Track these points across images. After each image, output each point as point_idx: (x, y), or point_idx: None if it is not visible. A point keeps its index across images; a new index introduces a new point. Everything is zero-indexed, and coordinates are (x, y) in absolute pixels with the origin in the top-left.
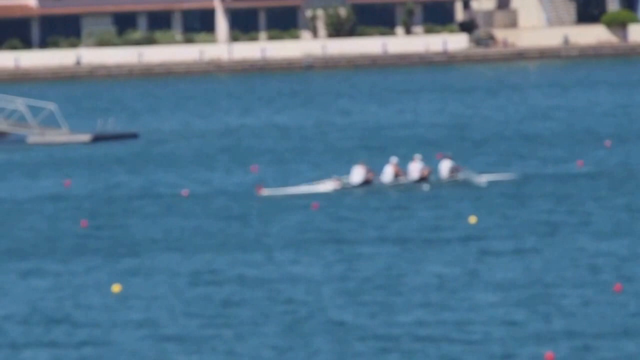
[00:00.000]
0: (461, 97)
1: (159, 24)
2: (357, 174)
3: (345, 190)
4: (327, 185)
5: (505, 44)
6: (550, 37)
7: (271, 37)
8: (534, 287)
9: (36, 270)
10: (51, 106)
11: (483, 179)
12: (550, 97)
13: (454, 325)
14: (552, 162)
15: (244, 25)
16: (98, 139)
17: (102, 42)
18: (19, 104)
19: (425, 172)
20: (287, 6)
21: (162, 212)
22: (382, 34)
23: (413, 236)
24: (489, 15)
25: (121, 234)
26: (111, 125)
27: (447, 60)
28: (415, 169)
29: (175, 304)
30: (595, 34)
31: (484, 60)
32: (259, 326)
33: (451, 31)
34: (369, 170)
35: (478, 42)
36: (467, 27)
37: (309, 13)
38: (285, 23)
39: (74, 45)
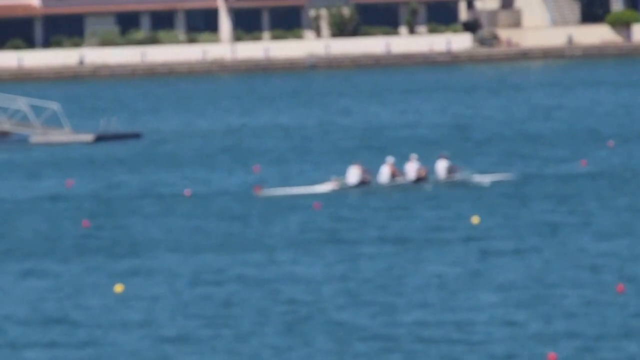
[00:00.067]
0: (464, 97)
1: (162, 24)
2: (353, 175)
3: (343, 191)
4: (325, 186)
5: (509, 43)
6: (554, 37)
7: (274, 37)
8: (536, 288)
9: (37, 270)
10: (54, 106)
11: (482, 179)
12: (554, 97)
13: (456, 325)
14: (555, 162)
15: (247, 25)
16: (101, 138)
17: (105, 42)
18: (22, 103)
19: (422, 173)
20: (291, 6)
21: (164, 212)
22: (386, 33)
23: (414, 236)
24: (492, 15)
25: (123, 234)
26: (114, 125)
27: (450, 60)
28: (411, 169)
29: (176, 304)
30: (599, 34)
31: (488, 60)
32: (260, 326)
33: (455, 31)
34: (364, 171)
35: (482, 42)
36: (471, 27)
37: (312, 13)
38: (288, 23)
39: (77, 45)
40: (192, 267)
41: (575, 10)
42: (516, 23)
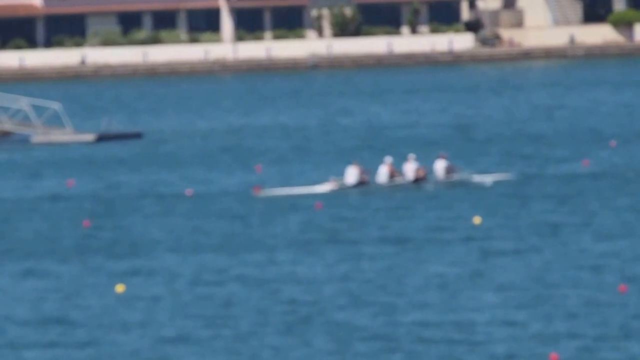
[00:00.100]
0: (466, 97)
1: (164, 24)
2: (351, 175)
3: (342, 191)
4: (324, 186)
5: (511, 43)
6: (556, 37)
7: (276, 37)
8: (537, 288)
9: (37, 270)
10: (55, 106)
11: (482, 179)
12: (556, 97)
13: (457, 325)
14: (557, 162)
15: (249, 24)
16: (102, 138)
17: (107, 42)
18: (24, 103)
19: (421, 173)
20: (293, 6)
21: (165, 212)
22: (388, 33)
23: (415, 236)
24: (494, 15)
25: (123, 234)
26: (115, 125)
27: (452, 60)
28: (410, 169)
29: (176, 304)
30: (601, 34)
31: (490, 60)
32: (260, 326)
33: (457, 31)
34: (362, 171)
35: (484, 41)
36: (473, 26)
37: (314, 13)
38: (290, 23)
39: (78, 44)
40: (193, 267)
41: (577, 10)
42: (518, 23)
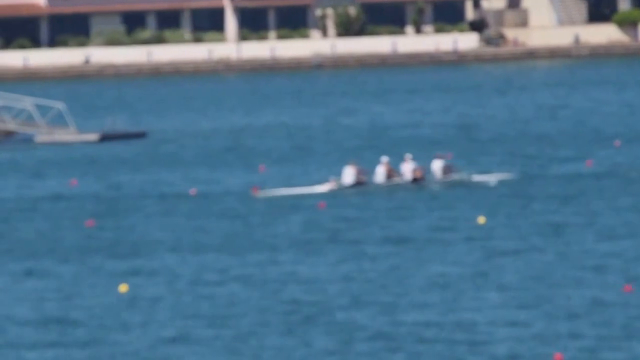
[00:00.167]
0: (470, 96)
1: (168, 23)
2: (349, 175)
3: (341, 192)
4: (323, 187)
5: (515, 43)
6: (561, 37)
7: (280, 37)
8: (541, 288)
9: (40, 270)
10: (59, 105)
11: (484, 179)
12: (560, 97)
13: (460, 326)
14: (560, 161)
15: (253, 24)
16: (106, 138)
17: (111, 41)
18: (27, 103)
19: (419, 173)
20: (297, 5)
21: (168, 211)
22: (392, 33)
23: (418, 236)
24: (499, 15)
25: (126, 233)
26: (119, 124)
27: (457, 60)
28: (407, 169)
29: (179, 304)
30: (606, 34)
31: (495, 59)
32: (262, 326)
33: (461, 30)
34: (359, 171)
35: (488, 41)
36: (478, 26)
37: (318, 12)
38: (294, 22)
39: (82, 44)
40: (195, 267)
41: (582, 10)
42: (523, 23)
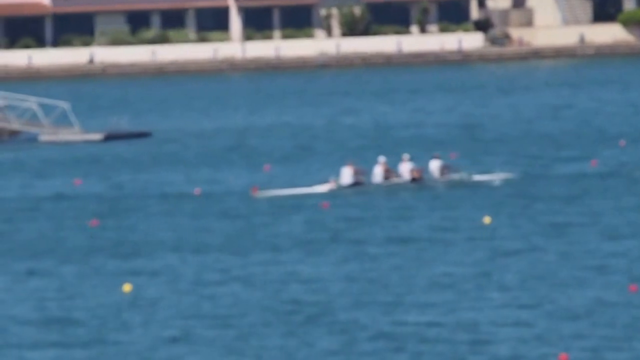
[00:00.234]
0: (475, 96)
1: (172, 23)
2: (346, 175)
3: (340, 192)
4: (323, 187)
5: (520, 43)
6: (566, 36)
7: (285, 36)
8: (546, 288)
9: (44, 270)
10: (64, 105)
11: (484, 178)
12: (565, 97)
13: (465, 326)
14: (565, 161)
15: (258, 23)
16: (110, 138)
17: (116, 41)
18: (32, 102)
19: (417, 173)
20: (302, 5)
21: (172, 211)
22: (397, 32)
23: (421, 236)
24: (504, 14)
25: (130, 233)
26: (123, 124)
27: (462, 59)
28: (405, 169)
29: (182, 304)
30: (611, 33)
31: (499, 59)
32: (266, 326)
33: (466, 30)
34: (357, 171)
35: (493, 41)
36: (483, 26)
37: (323, 12)
38: (299, 22)
39: (87, 43)
40: (198, 267)
41: (587, 9)
42: (528, 22)
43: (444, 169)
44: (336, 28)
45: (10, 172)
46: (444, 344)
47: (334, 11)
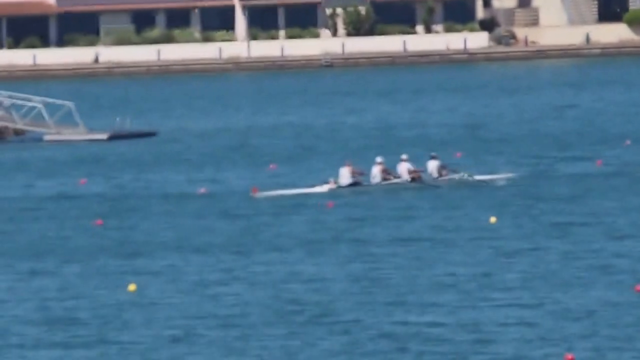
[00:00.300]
0: (479, 95)
1: (177, 22)
2: (345, 176)
3: (339, 192)
4: (323, 187)
5: (526, 42)
6: (571, 36)
7: (290, 35)
8: (551, 288)
9: (47, 270)
10: (68, 104)
11: (487, 178)
12: (571, 96)
13: (470, 326)
14: (570, 161)
15: (263, 23)
16: (115, 137)
17: (120, 40)
18: (37, 102)
19: (415, 173)
20: (307, 4)
21: (177, 211)
22: (402, 32)
23: (425, 236)
24: (510, 14)
25: (135, 233)
26: (128, 123)
27: (467, 59)
28: (403, 169)
29: (185, 304)
30: (617, 33)
31: (505, 58)
32: (268, 326)
33: (472, 29)
34: (355, 172)
35: (499, 40)
36: (488, 25)
37: (328, 11)
38: (304, 21)
39: (92, 43)
40: (202, 267)
41: (592, 9)
42: (533, 22)
43: (442, 169)
44: (341, 27)
45: (15, 172)
46: (447, 344)
47: (339, 10)
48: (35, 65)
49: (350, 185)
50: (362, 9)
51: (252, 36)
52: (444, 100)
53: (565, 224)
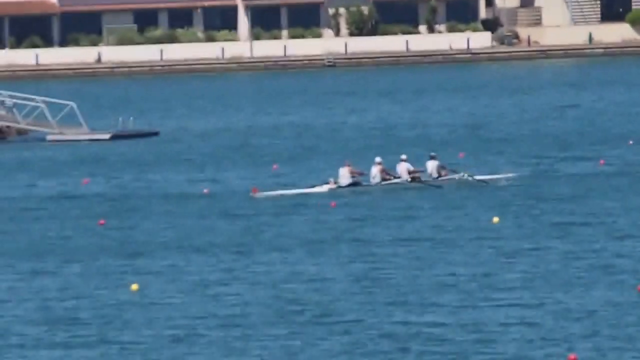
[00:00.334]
0: (482, 95)
1: (180, 22)
2: (344, 176)
3: (339, 192)
4: (323, 187)
5: (529, 42)
6: (574, 36)
7: (293, 35)
8: (553, 288)
9: (50, 270)
10: (71, 104)
11: (488, 178)
12: (573, 96)
13: (472, 326)
14: (572, 161)
15: (265, 22)
16: (118, 137)
17: (123, 40)
18: (39, 102)
19: (414, 174)
20: (309, 3)
21: (178, 211)
22: (405, 32)
23: (427, 236)
24: (512, 13)
25: (136, 233)
26: (131, 123)
27: (470, 59)
28: (403, 169)
29: (187, 304)
30: (619, 33)
31: (508, 58)
32: (270, 326)
33: (474, 29)
34: (354, 171)
35: (502, 40)
36: (491, 25)
37: (331, 11)
38: (307, 21)
39: (94, 42)
40: (204, 267)
41: (595, 9)
42: (536, 21)
43: (441, 169)
44: (344, 27)
45: (17, 172)
46: (448, 344)
47: (342, 10)
48: (37, 65)
49: (350, 185)
50: (365, 9)
51: (255, 36)
52: (445, 100)
53: (566, 224)
